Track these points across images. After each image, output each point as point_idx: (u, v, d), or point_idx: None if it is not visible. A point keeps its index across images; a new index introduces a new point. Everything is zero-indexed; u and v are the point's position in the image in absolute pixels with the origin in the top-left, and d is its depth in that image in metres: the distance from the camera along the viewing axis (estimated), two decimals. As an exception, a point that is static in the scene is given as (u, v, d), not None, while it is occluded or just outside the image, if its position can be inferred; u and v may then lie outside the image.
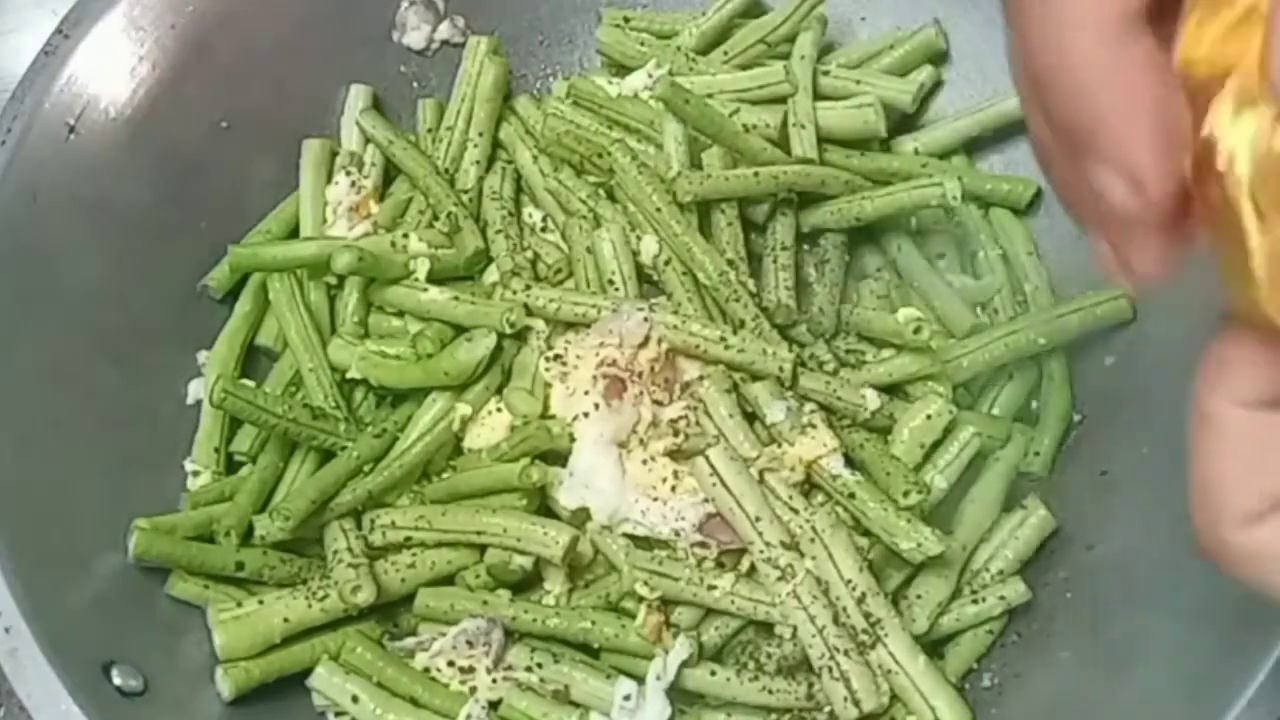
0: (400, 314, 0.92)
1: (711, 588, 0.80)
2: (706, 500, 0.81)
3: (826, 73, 0.99)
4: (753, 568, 0.81)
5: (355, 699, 0.78)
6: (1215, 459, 0.40)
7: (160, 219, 0.92)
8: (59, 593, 0.75)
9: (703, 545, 0.81)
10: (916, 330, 0.88)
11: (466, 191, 0.98)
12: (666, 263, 0.89)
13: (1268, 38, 0.35)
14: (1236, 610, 0.70)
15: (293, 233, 0.99)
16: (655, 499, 0.82)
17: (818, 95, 0.97)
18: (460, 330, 0.88)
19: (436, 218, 0.96)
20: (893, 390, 0.89)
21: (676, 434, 0.82)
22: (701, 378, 0.85)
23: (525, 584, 0.84)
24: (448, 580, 0.84)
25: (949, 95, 1.02)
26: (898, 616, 0.78)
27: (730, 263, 0.89)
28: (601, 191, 0.96)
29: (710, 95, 0.97)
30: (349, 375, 0.89)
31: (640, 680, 0.79)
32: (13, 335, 0.81)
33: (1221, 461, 0.40)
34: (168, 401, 0.91)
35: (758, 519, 0.80)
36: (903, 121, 1.00)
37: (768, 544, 0.79)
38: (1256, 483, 0.40)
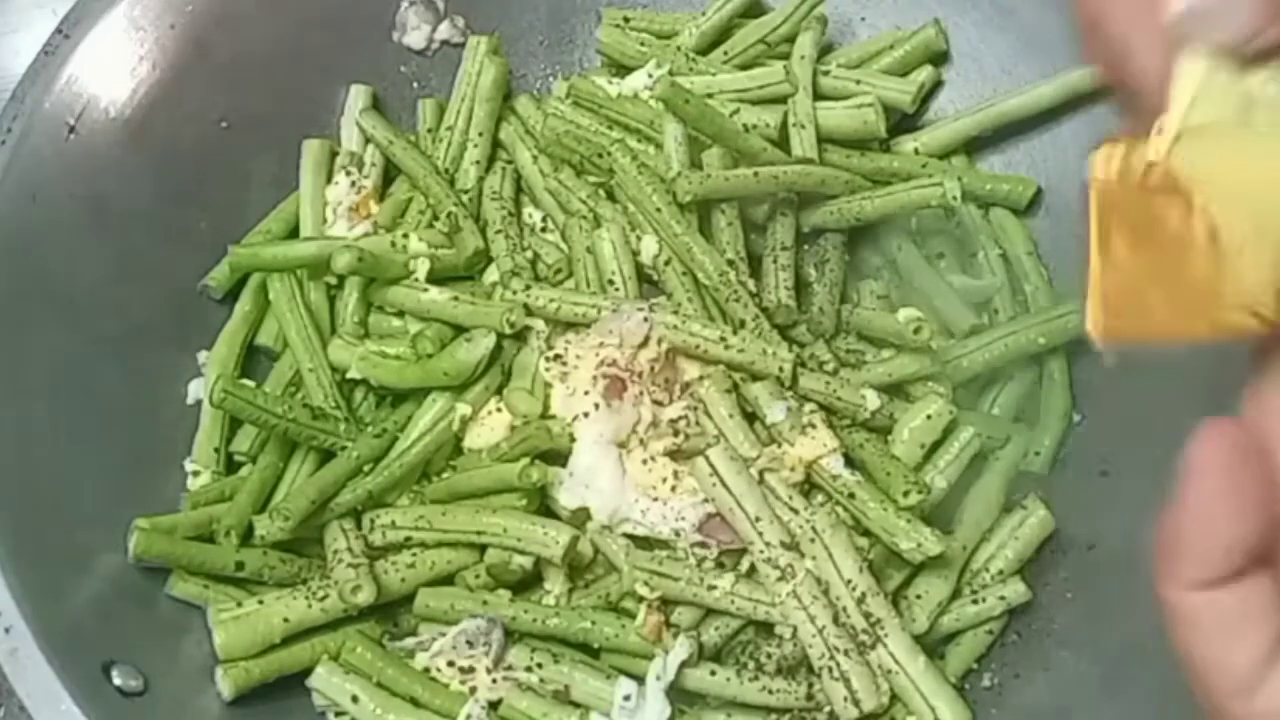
0: (400, 314, 0.92)
1: (711, 588, 0.80)
2: (706, 500, 0.81)
3: (826, 73, 0.99)
4: (753, 568, 0.81)
5: (355, 699, 0.78)
6: (1193, 647, 0.42)
7: (160, 219, 0.92)
8: (59, 593, 0.75)
9: (703, 545, 0.81)
10: (916, 330, 0.88)
11: (466, 191, 0.98)
12: (666, 263, 0.89)
13: None
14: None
15: (293, 233, 0.99)
16: (655, 499, 0.82)
17: (818, 95, 0.97)
18: (460, 330, 0.88)
19: (436, 218, 0.96)
20: (893, 390, 0.89)
21: (676, 434, 0.82)
22: (701, 378, 0.85)
23: (525, 584, 0.84)
24: (448, 580, 0.84)
25: (949, 95, 1.02)
26: (898, 616, 0.78)
27: (730, 263, 0.89)
28: (601, 191, 0.96)
29: (710, 95, 0.97)
30: (349, 375, 0.89)
31: (640, 680, 0.79)
32: (13, 335, 0.81)
33: (1199, 648, 0.42)
34: (168, 401, 0.91)
35: (758, 519, 0.80)
36: (903, 121, 1.00)
37: (768, 544, 0.79)
38: (1238, 658, 0.41)
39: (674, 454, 0.83)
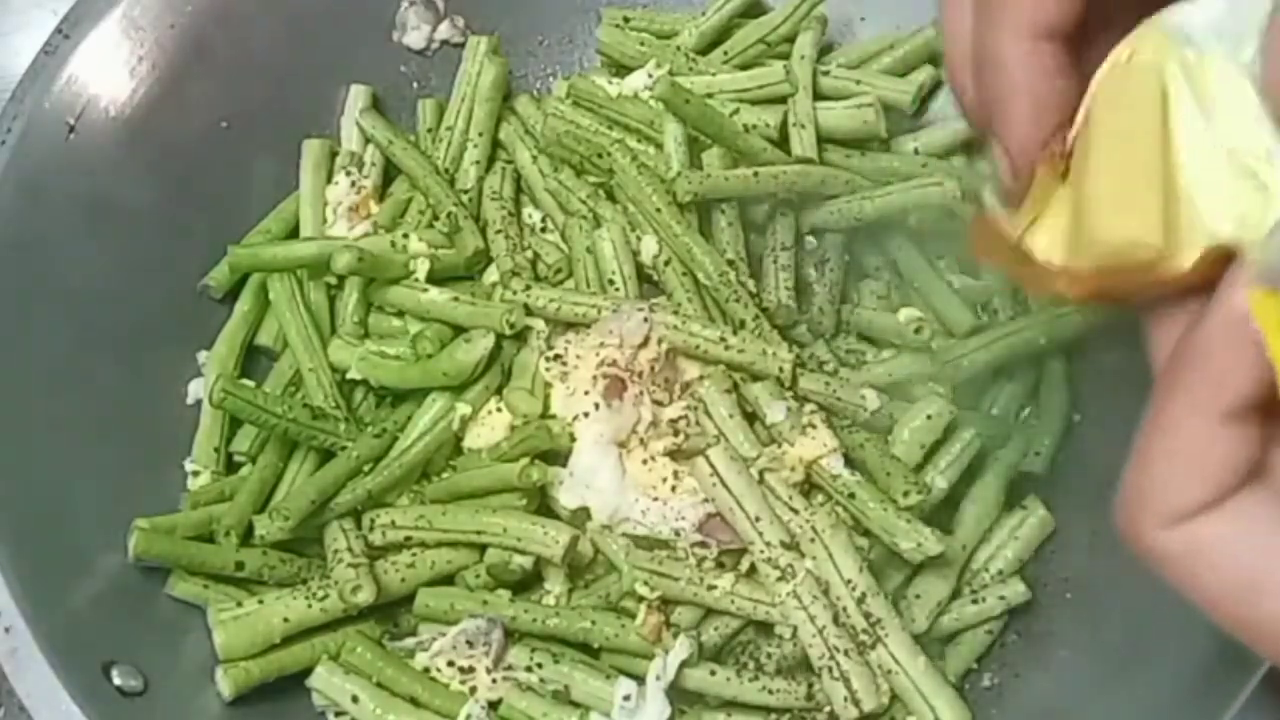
0: (400, 314, 0.92)
1: (711, 588, 0.80)
2: (706, 500, 0.81)
3: (826, 73, 0.99)
4: (753, 568, 0.81)
5: (355, 699, 0.78)
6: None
7: (160, 219, 0.92)
8: (59, 593, 0.75)
9: (703, 545, 0.81)
10: (916, 330, 0.88)
11: (466, 191, 0.98)
12: (666, 263, 0.89)
13: None
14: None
15: (293, 233, 0.99)
16: (655, 499, 0.82)
17: (818, 95, 0.97)
18: (460, 330, 0.88)
19: (436, 218, 0.96)
20: (893, 390, 0.89)
21: (676, 434, 0.82)
22: (701, 378, 0.85)
23: (525, 584, 0.84)
24: (448, 580, 0.84)
25: (949, 95, 1.02)
26: (898, 616, 0.78)
27: (730, 263, 0.89)
28: (601, 191, 0.96)
29: (710, 95, 0.97)
30: (349, 375, 0.89)
31: (640, 680, 0.79)
32: (13, 335, 0.81)
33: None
34: (168, 401, 0.91)
35: (758, 519, 0.80)
36: (903, 121, 1.00)
37: (768, 544, 0.79)
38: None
39: (674, 454, 0.83)
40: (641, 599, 0.80)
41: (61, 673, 0.69)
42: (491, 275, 0.93)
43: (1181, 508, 0.41)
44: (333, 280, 0.94)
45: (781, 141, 0.95)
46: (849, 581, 0.78)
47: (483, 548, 0.83)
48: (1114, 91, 0.46)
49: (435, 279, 0.92)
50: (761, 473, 0.81)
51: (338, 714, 0.80)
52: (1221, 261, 0.41)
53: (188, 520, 0.84)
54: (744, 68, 1.01)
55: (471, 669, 0.80)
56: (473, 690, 0.80)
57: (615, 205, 0.93)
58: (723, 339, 0.85)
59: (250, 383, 0.90)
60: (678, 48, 1.03)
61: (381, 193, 1.01)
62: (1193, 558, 0.42)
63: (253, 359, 0.95)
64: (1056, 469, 0.89)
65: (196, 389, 0.92)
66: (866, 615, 0.78)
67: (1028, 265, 0.50)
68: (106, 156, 0.89)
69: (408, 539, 0.83)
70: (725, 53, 1.03)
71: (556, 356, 0.86)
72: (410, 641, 0.82)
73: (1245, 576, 0.41)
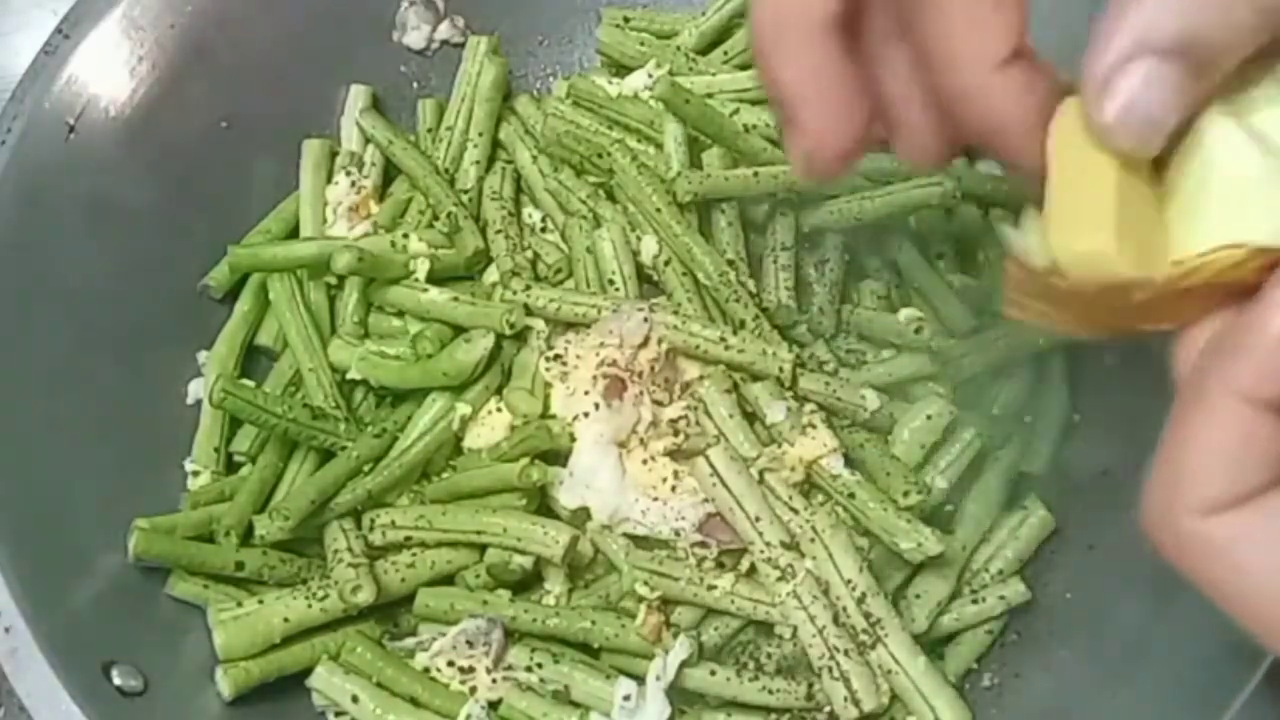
0: (400, 314, 0.92)
1: (711, 588, 0.80)
2: (706, 500, 0.81)
3: (826, 73, 0.99)
4: (753, 568, 0.81)
5: (355, 699, 0.78)
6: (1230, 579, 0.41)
7: (160, 219, 0.92)
8: (59, 593, 0.75)
9: (703, 545, 0.81)
10: (917, 330, 0.88)
11: (466, 191, 0.98)
12: (666, 263, 0.89)
13: None
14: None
15: (293, 233, 0.99)
16: (655, 499, 0.82)
17: (818, 95, 0.97)
18: (460, 330, 0.88)
19: (436, 218, 0.96)
20: (893, 390, 0.89)
21: (676, 434, 0.82)
22: (701, 378, 0.85)
23: (525, 584, 0.84)
24: (448, 580, 0.84)
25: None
26: (898, 616, 0.78)
27: (730, 263, 0.89)
28: (601, 191, 0.96)
29: (710, 95, 0.97)
30: (349, 375, 0.89)
31: (640, 680, 0.79)
32: (13, 335, 0.81)
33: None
34: (168, 401, 0.91)
35: (758, 519, 0.80)
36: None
37: (768, 544, 0.79)
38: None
39: (674, 454, 0.83)
40: (641, 599, 0.80)
41: (61, 673, 0.69)
42: (491, 275, 0.93)
43: (1219, 498, 0.40)
44: (333, 280, 0.94)
45: (781, 141, 0.95)
46: (849, 581, 0.78)
47: (483, 548, 0.83)
48: (1075, 124, 0.46)
49: (435, 279, 0.92)
50: (761, 473, 0.81)
51: (338, 714, 0.80)
52: (1265, 269, 0.41)
53: (188, 520, 0.84)
54: (744, 68, 1.01)
55: (471, 669, 0.80)
56: (473, 690, 0.80)
57: (615, 205, 0.93)
58: (723, 339, 0.85)
59: (250, 383, 0.90)
60: (678, 48, 1.03)
61: (381, 193, 1.01)
62: (1233, 547, 0.40)
63: (253, 359, 0.95)
64: (1056, 469, 0.89)
65: (196, 389, 0.92)
66: (866, 615, 0.78)
67: (1060, 301, 0.49)
68: (106, 156, 0.89)
69: (408, 539, 0.83)
70: (725, 53, 1.03)
71: (556, 356, 0.87)
72: (410, 641, 0.82)
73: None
